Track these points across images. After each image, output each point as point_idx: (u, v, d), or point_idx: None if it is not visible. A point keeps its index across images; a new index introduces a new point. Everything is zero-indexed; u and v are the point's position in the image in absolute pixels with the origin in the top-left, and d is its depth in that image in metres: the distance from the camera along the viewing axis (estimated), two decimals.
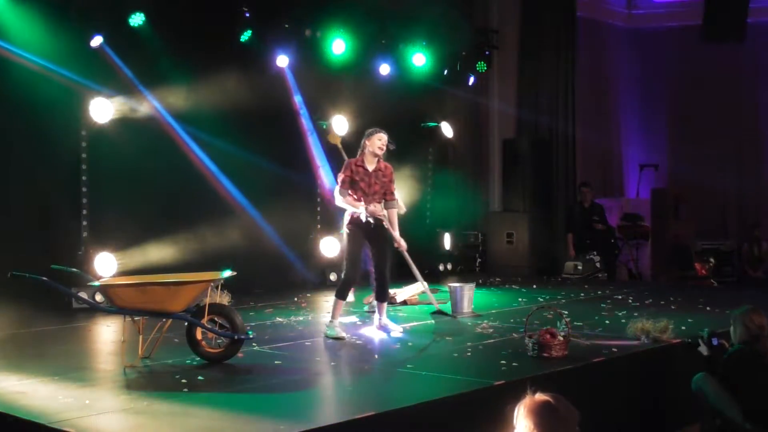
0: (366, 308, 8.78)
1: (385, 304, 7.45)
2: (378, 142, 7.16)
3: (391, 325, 7.41)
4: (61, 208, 8.94)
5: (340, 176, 7.25)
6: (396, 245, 7.54)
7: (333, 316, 7.19)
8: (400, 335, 7.23)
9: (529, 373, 5.57)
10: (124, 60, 9.00)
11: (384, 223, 7.28)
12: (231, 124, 9.61)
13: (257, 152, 9.85)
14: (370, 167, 7.21)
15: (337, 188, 7.23)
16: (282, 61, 10.43)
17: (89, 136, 8.91)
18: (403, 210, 7.82)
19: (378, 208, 7.16)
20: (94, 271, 8.48)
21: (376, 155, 7.18)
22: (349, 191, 7.15)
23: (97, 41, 8.72)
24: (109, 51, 8.86)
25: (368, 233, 7.22)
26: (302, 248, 10.80)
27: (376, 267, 7.34)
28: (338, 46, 10.80)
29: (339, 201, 7.26)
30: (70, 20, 8.54)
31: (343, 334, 7.08)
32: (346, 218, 7.26)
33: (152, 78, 9.15)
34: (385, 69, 11.60)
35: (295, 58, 10.54)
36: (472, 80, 12.78)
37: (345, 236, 7.28)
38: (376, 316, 7.46)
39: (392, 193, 7.35)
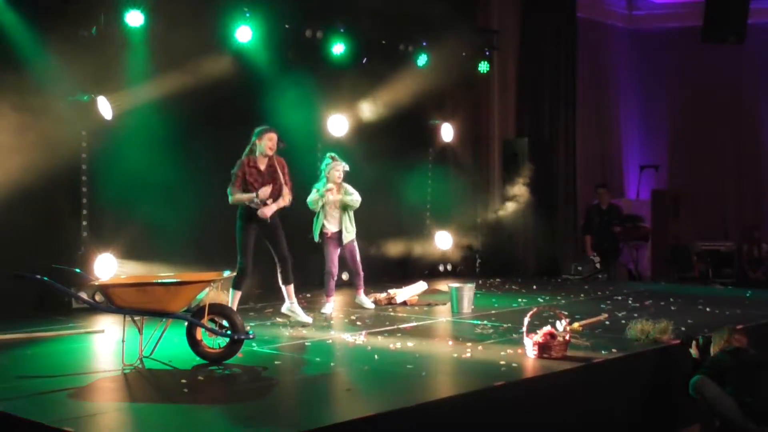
0: (365, 303, 8.80)
1: (292, 287, 7.63)
2: (268, 142, 7.37)
3: (300, 313, 7.64)
4: (61, 208, 8.93)
5: (235, 176, 7.39)
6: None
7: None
8: (309, 324, 7.56)
9: (529, 373, 5.57)
10: (124, 59, 8.99)
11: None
12: (231, 123, 9.59)
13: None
14: (262, 167, 7.43)
15: (230, 188, 7.38)
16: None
17: (89, 136, 8.90)
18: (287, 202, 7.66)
19: (267, 192, 7.31)
20: (94, 271, 8.48)
21: (266, 155, 7.39)
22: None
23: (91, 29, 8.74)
24: (110, 50, 8.86)
25: (260, 224, 7.44)
26: (302, 249, 10.76)
27: (276, 253, 7.55)
28: (338, 46, 10.82)
29: (231, 200, 7.42)
30: (69, 19, 8.53)
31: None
32: (241, 212, 7.44)
33: (154, 77, 9.13)
34: (384, 68, 11.60)
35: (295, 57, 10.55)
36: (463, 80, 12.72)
37: (237, 229, 7.45)
38: (287, 301, 7.64)
39: (283, 187, 7.47)
